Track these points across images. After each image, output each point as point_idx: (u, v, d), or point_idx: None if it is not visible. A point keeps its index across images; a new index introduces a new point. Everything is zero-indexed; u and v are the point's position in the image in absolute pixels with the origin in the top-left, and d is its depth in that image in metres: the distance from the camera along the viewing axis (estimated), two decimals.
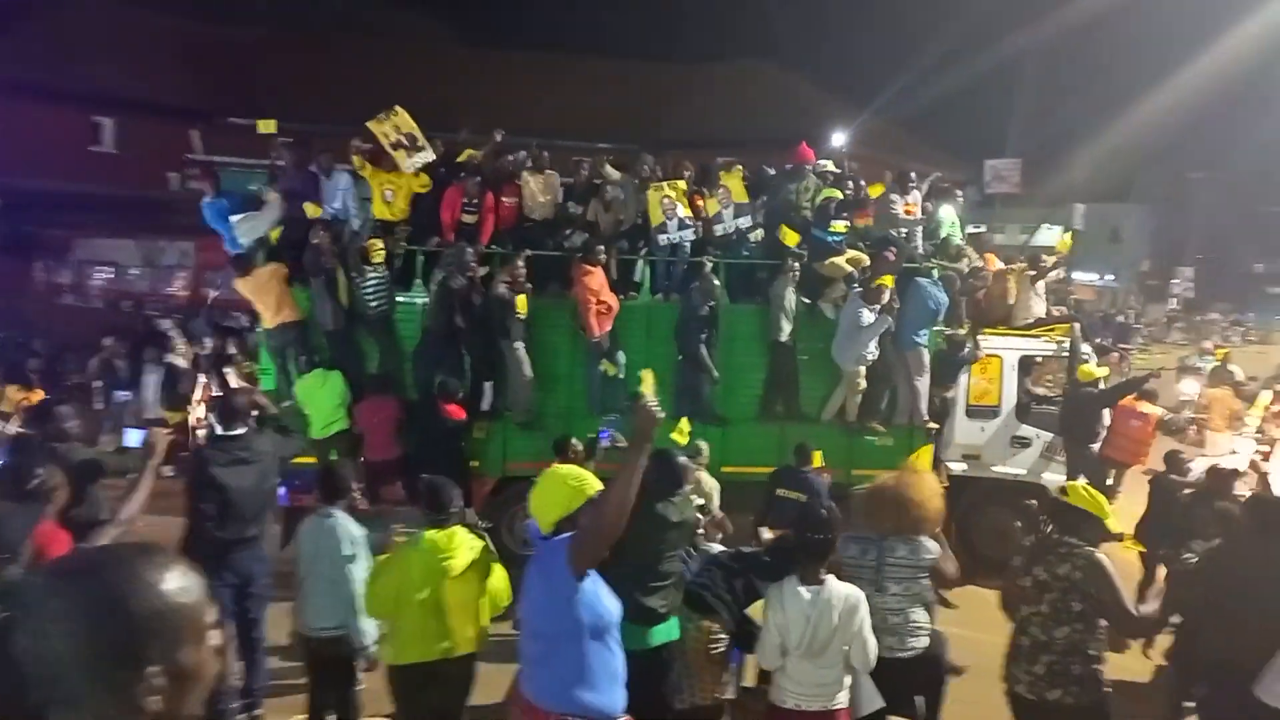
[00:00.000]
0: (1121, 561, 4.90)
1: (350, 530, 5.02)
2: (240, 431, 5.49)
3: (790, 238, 9.08)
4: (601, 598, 3.37)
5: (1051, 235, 10.07)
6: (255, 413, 6.28)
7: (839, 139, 25.53)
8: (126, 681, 1.28)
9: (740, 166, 9.66)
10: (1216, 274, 37.72)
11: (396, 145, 8.80)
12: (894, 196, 9.84)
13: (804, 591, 4.16)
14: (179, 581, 1.37)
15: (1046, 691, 4.27)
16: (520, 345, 8.66)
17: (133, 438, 3.72)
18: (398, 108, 8.90)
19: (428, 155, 8.93)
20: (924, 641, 4.78)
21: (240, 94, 24.49)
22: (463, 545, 4.50)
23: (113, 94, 24.01)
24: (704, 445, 7.61)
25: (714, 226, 9.40)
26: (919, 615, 4.79)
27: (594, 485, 3.43)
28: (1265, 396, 11.32)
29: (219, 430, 5.72)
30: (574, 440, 7.28)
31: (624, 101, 28.65)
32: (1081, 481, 4.93)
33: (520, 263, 8.65)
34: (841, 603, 4.14)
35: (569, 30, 42.67)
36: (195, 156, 12.99)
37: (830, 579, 4.21)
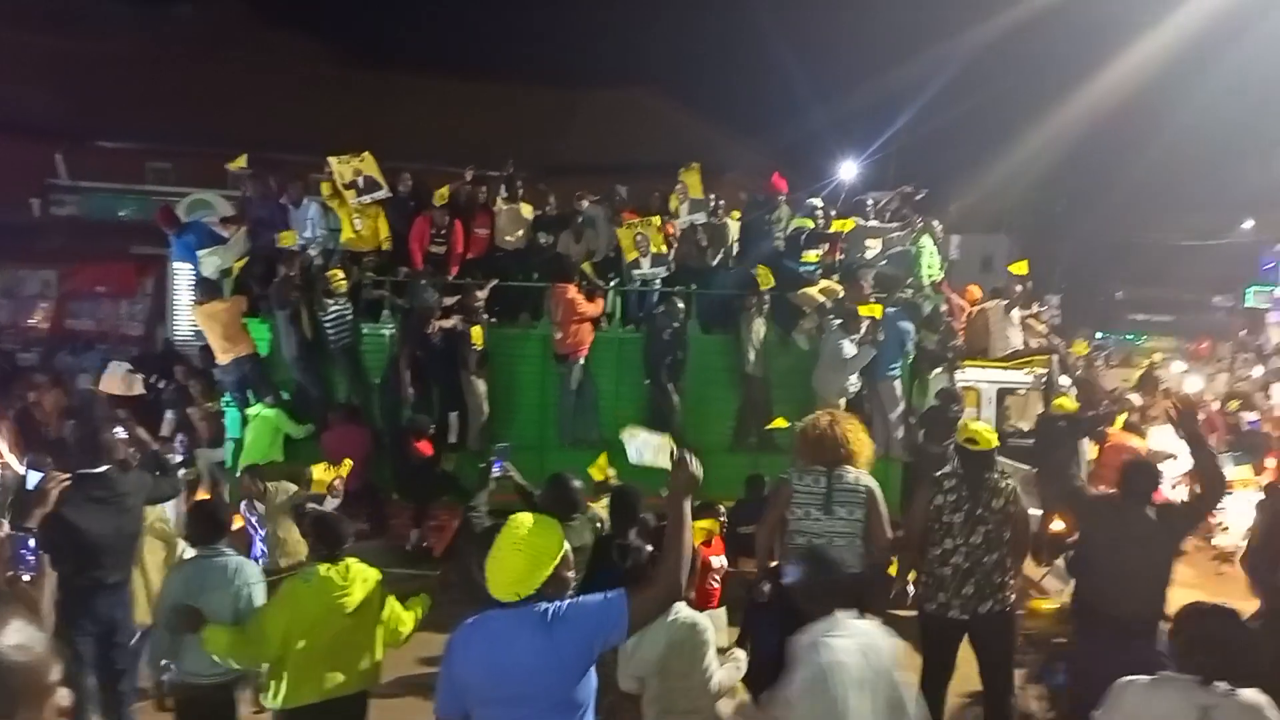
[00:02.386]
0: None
1: (243, 569, 4.73)
2: (102, 469, 5.02)
3: (766, 280, 8.81)
4: None
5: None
6: (132, 450, 5.86)
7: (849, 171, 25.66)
8: None
9: (698, 165, 9.48)
10: (1082, 301, 40.08)
11: (350, 185, 8.84)
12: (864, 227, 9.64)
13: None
14: (14, 639, 1.31)
15: (979, 606, 4.96)
16: (477, 377, 8.56)
17: (31, 479, 3.40)
18: (367, 154, 9.00)
19: (380, 195, 8.94)
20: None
21: (108, 114, 23.29)
22: (357, 579, 4.33)
23: None
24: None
25: (672, 221, 9.30)
26: (858, 544, 5.18)
27: (555, 541, 2.95)
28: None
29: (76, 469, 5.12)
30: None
31: (505, 125, 28.29)
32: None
33: (478, 294, 8.53)
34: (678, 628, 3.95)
35: (448, 53, 42.16)
36: (59, 181, 12.46)
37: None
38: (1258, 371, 20.07)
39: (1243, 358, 22.63)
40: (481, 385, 8.67)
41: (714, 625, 4.31)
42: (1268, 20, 22.04)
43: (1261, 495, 10.06)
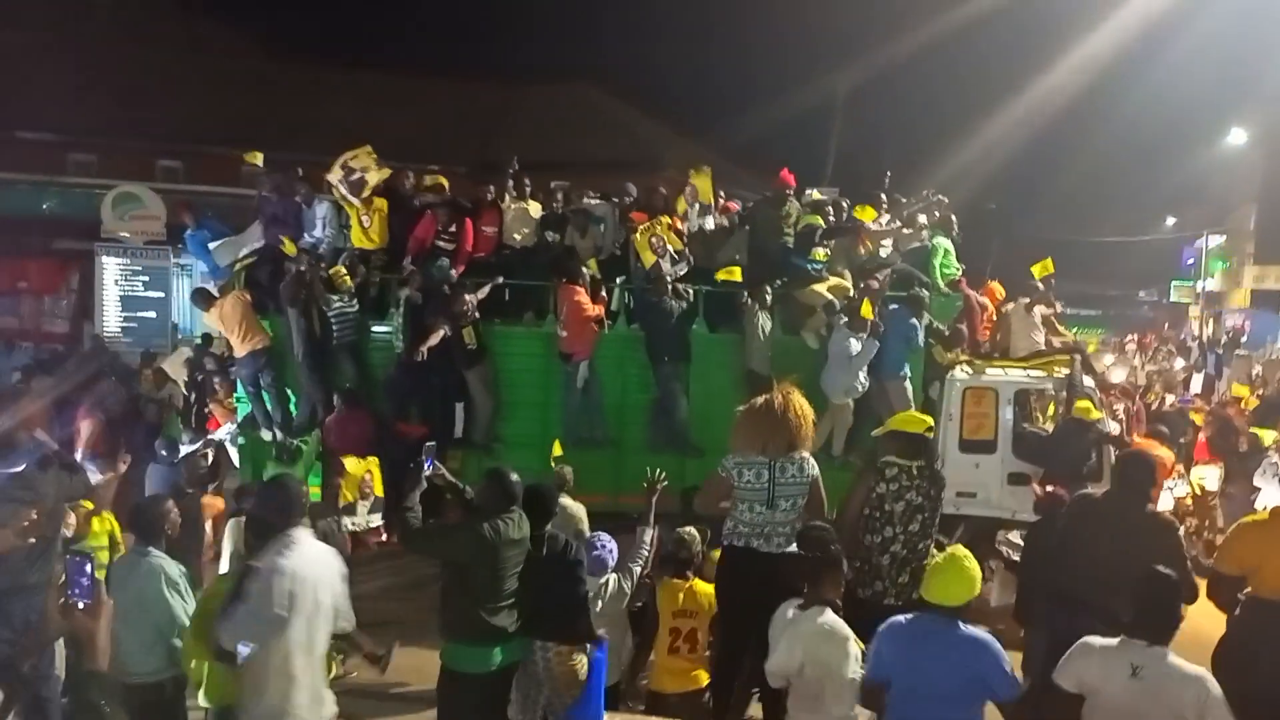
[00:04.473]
0: None
1: (168, 570, 4.66)
2: (20, 469, 4.91)
3: (731, 275, 8.67)
4: None
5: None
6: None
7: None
8: None
9: (709, 169, 9.31)
10: (1014, 296, 40.91)
11: (347, 170, 8.75)
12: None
13: (788, 616, 4.19)
14: None
15: (914, 593, 4.72)
16: (476, 374, 8.46)
17: None
18: (388, 170, 8.98)
19: (351, 199, 8.81)
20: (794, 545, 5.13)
21: (27, 104, 22.25)
22: None
23: None
24: (569, 471, 7.25)
25: (682, 227, 9.14)
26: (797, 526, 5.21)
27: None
28: None
29: None
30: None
31: (450, 121, 27.21)
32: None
33: (465, 296, 8.37)
34: (819, 635, 4.08)
35: (381, 46, 41.51)
36: None
37: (826, 610, 4.16)
38: (1179, 363, 20.75)
39: (1165, 350, 23.39)
40: (482, 382, 8.58)
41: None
42: (1188, 32, 23.31)
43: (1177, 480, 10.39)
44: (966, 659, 3.84)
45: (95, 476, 6.76)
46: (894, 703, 3.92)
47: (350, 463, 6.90)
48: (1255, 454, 9.69)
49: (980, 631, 3.93)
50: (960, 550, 4.09)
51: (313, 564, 3.93)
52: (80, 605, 2.84)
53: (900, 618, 4.06)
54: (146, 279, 18.52)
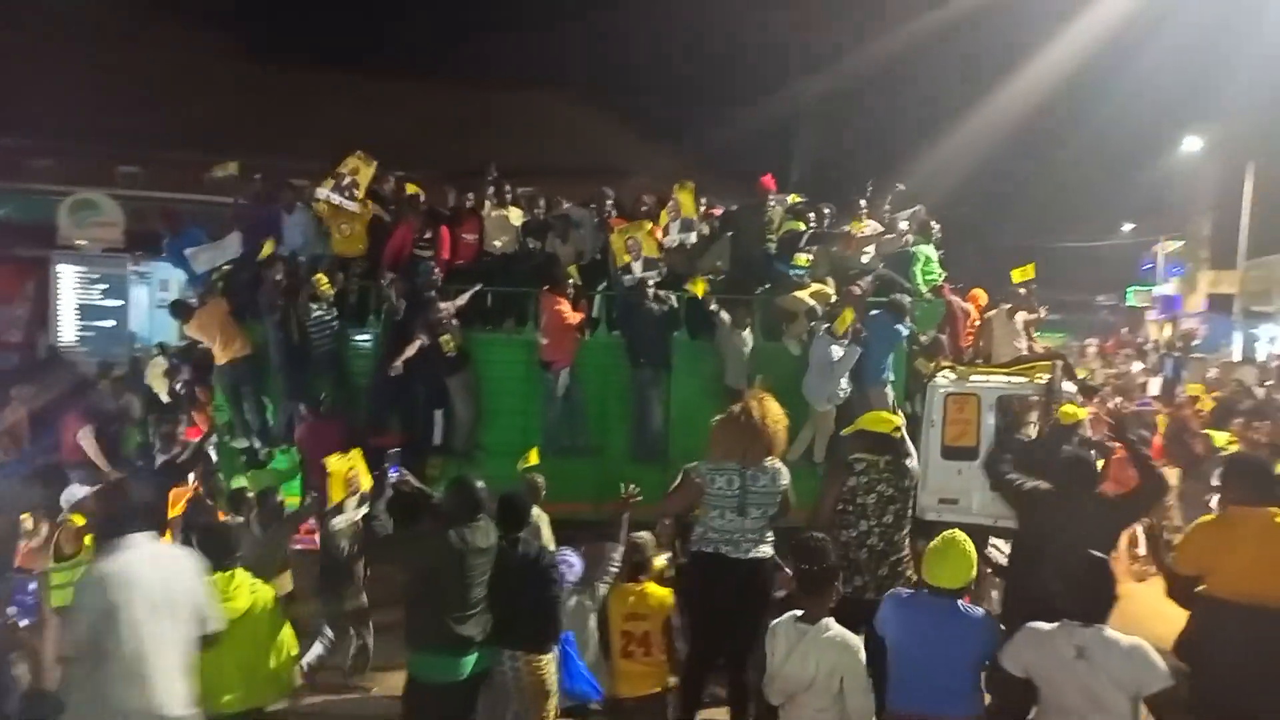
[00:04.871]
0: None
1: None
2: None
3: (699, 287, 8.59)
4: None
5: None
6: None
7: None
8: None
9: (692, 183, 9.22)
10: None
11: (338, 177, 8.69)
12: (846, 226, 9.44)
13: (799, 627, 4.18)
14: None
15: (893, 586, 5.00)
16: (457, 381, 8.43)
17: None
18: (374, 163, 8.92)
19: (348, 206, 8.76)
20: (767, 550, 5.36)
21: None
22: (243, 589, 4.24)
23: None
24: (539, 479, 7.21)
25: (662, 240, 9.10)
26: (769, 533, 5.38)
27: None
28: None
29: None
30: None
31: (419, 126, 27.54)
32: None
33: (441, 305, 8.33)
34: (833, 647, 4.09)
35: (355, 50, 40.99)
36: None
37: (830, 621, 4.18)
38: (1137, 367, 21.09)
39: (1124, 353, 23.82)
40: (464, 390, 8.53)
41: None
42: (1146, 45, 24.08)
43: None
44: (965, 632, 4.09)
45: (81, 490, 6.64)
46: (895, 669, 4.17)
47: (333, 461, 6.74)
48: (1211, 455, 9.80)
49: (979, 610, 4.21)
50: (957, 534, 4.30)
51: (151, 566, 3.82)
52: (22, 624, 2.76)
53: (903, 590, 4.43)
54: (105, 287, 18.17)
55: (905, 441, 5.63)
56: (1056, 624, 3.82)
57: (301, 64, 30.19)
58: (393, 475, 5.43)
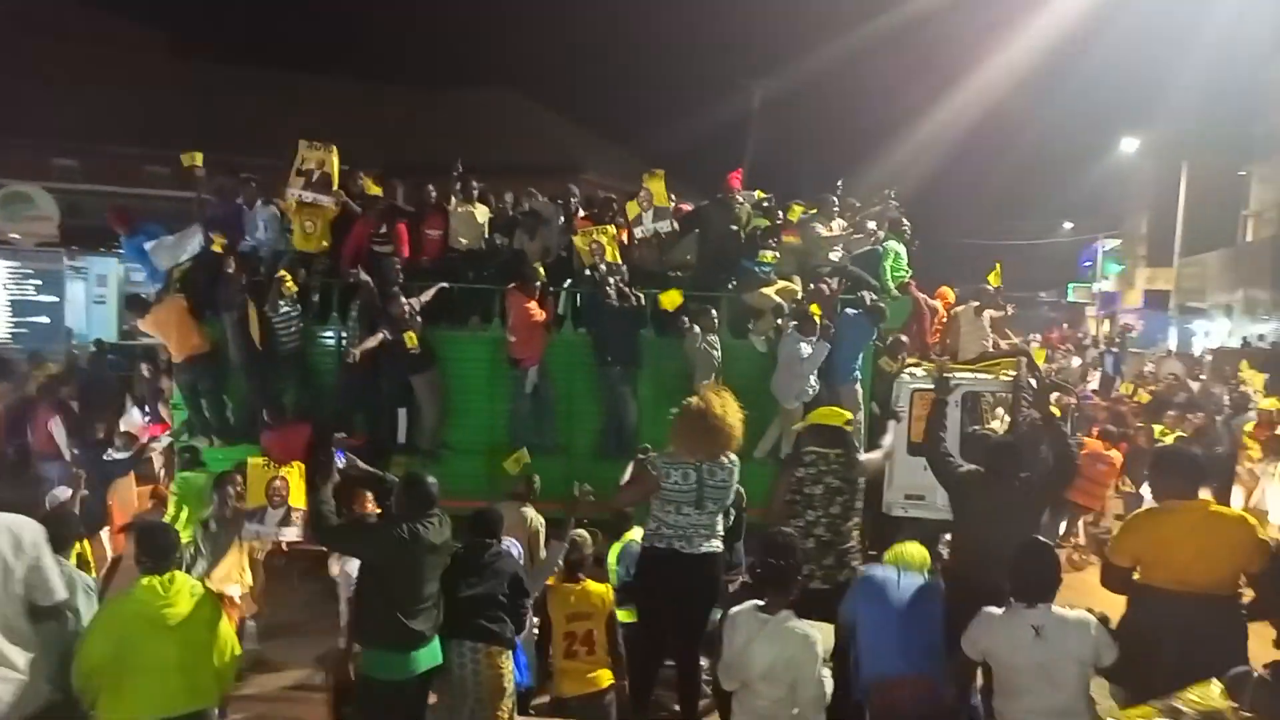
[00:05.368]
0: None
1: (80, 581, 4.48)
2: None
3: (672, 300, 8.53)
4: None
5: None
6: None
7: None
8: None
9: (662, 171, 9.17)
10: None
11: (302, 173, 8.56)
12: (816, 223, 9.44)
13: (760, 617, 4.22)
14: None
15: (839, 575, 5.26)
16: (422, 379, 8.33)
17: None
18: (334, 147, 8.75)
19: (324, 201, 8.63)
20: (717, 545, 5.42)
21: None
22: (183, 592, 4.15)
23: None
24: (535, 479, 7.32)
25: (634, 230, 9.07)
26: (719, 527, 5.45)
27: None
28: None
29: None
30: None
31: (362, 124, 27.34)
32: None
33: (404, 300, 8.21)
34: (792, 638, 4.14)
35: (303, 47, 40.26)
36: None
37: (790, 613, 4.22)
38: (1075, 362, 21.57)
39: (1064, 349, 24.38)
40: (429, 388, 8.43)
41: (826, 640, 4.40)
42: (1085, 49, 25.45)
43: None
44: (934, 595, 4.61)
45: (65, 491, 6.49)
46: (870, 639, 4.52)
47: (255, 462, 6.55)
48: (1153, 448, 10.08)
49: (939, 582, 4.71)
50: (908, 545, 4.85)
51: None
52: None
53: (874, 569, 4.83)
54: (39, 283, 17.85)
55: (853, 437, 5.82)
56: (1005, 609, 4.10)
57: (240, 60, 29.58)
58: (339, 460, 5.32)
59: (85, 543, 5.61)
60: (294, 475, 6.58)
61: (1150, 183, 30.48)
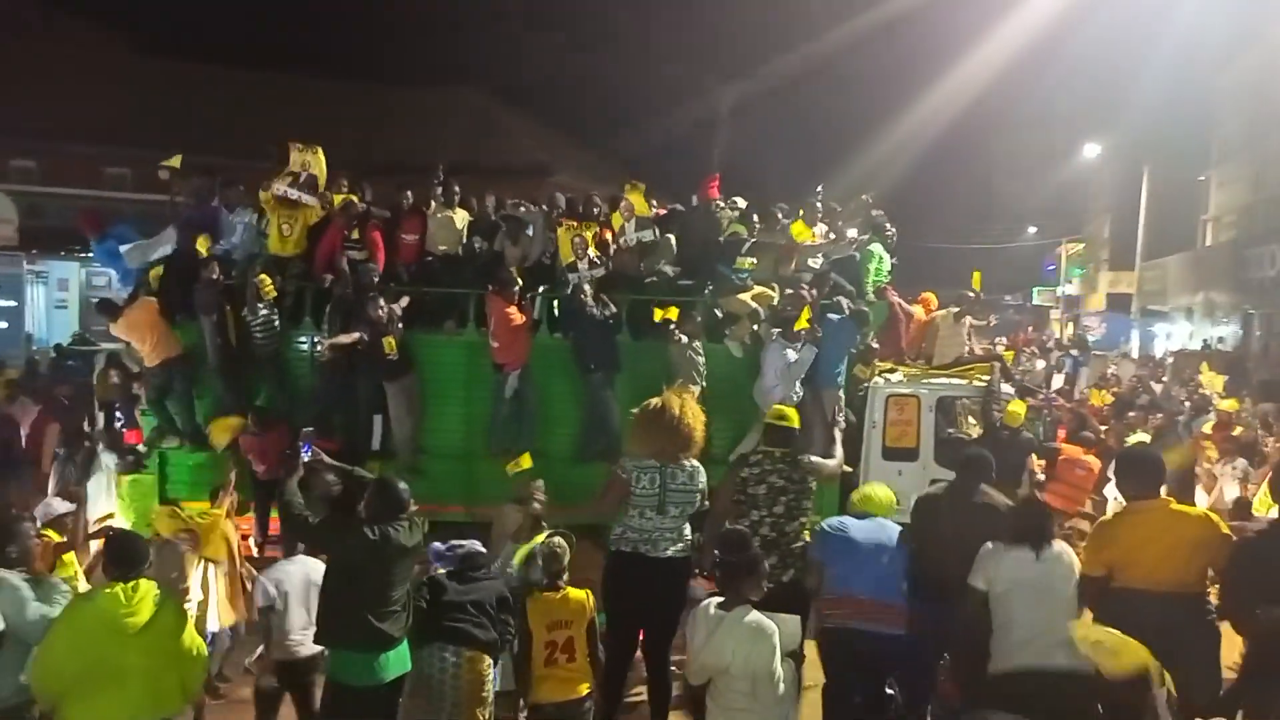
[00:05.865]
0: None
1: (21, 590, 4.29)
2: None
3: (668, 312, 8.57)
4: None
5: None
6: None
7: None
8: None
9: (642, 184, 9.24)
10: None
11: (288, 174, 8.64)
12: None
13: (716, 614, 4.28)
14: None
15: (782, 575, 5.30)
16: (399, 386, 8.29)
17: None
18: (319, 149, 8.85)
19: (308, 200, 8.66)
20: (683, 549, 5.58)
21: None
22: (146, 599, 4.11)
23: None
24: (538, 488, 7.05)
25: (617, 239, 9.12)
26: (685, 531, 5.60)
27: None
28: None
29: None
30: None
31: (327, 123, 27.14)
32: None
33: (383, 303, 8.16)
34: (747, 633, 4.18)
35: (267, 46, 39.73)
36: None
37: (748, 608, 4.26)
38: (1039, 365, 21.86)
39: (1028, 351, 24.70)
40: (404, 394, 8.37)
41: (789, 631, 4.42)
42: (1048, 58, 26.18)
43: None
44: (894, 535, 5.09)
45: (62, 505, 6.40)
46: (837, 567, 5.01)
47: (162, 517, 6.40)
48: (1121, 449, 10.21)
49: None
50: (876, 486, 5.43)
51: None
52: None
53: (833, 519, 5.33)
54: None
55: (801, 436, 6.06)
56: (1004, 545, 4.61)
57: (203, 58, 29.19)
58: (305, 453, 5.29)
59: (73, 555, 5.55)
60: (223, 525, 6.38)
61: (1112, 188, 31.07)
